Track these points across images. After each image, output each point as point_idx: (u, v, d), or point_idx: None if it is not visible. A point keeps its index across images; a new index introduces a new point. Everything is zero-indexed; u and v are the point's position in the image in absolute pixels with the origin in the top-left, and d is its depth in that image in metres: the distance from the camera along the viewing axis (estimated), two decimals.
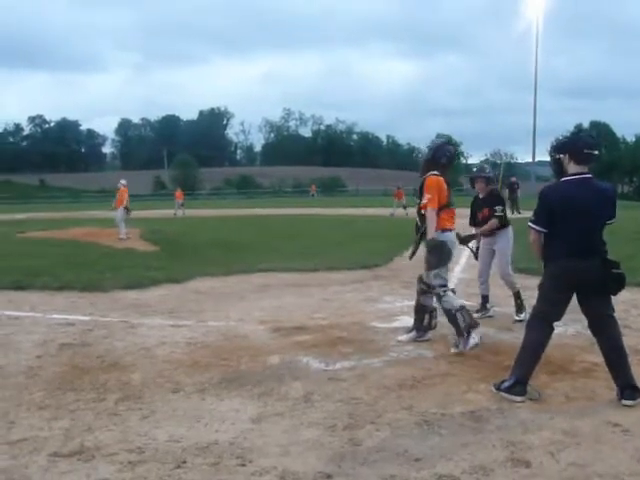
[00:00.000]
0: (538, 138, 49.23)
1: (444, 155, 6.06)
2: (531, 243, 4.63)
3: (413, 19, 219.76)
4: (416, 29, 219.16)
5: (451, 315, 5.82)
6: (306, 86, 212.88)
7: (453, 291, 6.09)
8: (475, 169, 8.01)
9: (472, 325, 5.75)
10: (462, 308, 5.85)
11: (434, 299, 6.07)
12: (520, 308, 7.09)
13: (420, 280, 6.12)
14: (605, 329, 4.51)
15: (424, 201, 5.93)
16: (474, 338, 5.69)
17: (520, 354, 4.64)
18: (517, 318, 7.01)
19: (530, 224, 4.55)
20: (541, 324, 4.60)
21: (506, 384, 4.52)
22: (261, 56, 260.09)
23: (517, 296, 7.17)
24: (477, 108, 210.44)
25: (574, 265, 4.37)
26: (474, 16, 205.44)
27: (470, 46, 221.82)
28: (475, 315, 7.10)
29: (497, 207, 7.16)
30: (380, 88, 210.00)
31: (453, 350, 5.73)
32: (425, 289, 6.05)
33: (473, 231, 7.48)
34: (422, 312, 6.13)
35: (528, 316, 6.87)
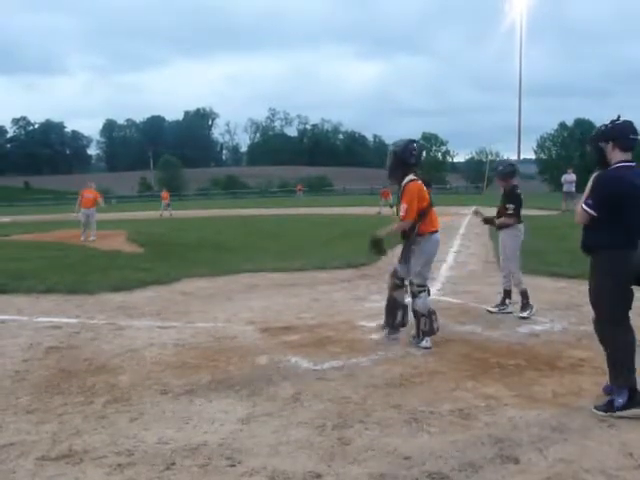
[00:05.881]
0: (517, 136, 49.93)
1: (411, 155, 5.95)
2: (577, 222, 4.28)
3: (372, 21, 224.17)
4: (376, 31, 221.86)
5: (418, 316, 5.89)
6: (275, 87, 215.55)
7: (429, 292, 6.09)
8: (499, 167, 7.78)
9: (429, 333, 5.86)
10: (430, 314, 5.88)
11: (407, 295, 6.12)
12: (525, 307, 7.07)
13: (394, 275, 6.11)
14: None
15: (402, 213, 5.84)
16: (426, 341, 5.83)
17: (614, 363, 4.19)
18: (521, 315, 7.02)
19: (583, 205, 4.16)
20: (619, 326, 4.16)
21: (620, 401, 4.08)
22: (223, 58, 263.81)
23: (523, 295, 7.12)
24: (450, 108, 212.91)
25: (636, 256, 4.03)
26: (441, 19, 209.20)
27: (434, 48, 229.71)
28: (493, 309, 7.34)
29: (509, 205, 7.16)
30: (348, 89, 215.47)
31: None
32: (399, 284, 6.08)
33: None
34: (395, 309, 6.15)
35: (532, 313, 6.96)
